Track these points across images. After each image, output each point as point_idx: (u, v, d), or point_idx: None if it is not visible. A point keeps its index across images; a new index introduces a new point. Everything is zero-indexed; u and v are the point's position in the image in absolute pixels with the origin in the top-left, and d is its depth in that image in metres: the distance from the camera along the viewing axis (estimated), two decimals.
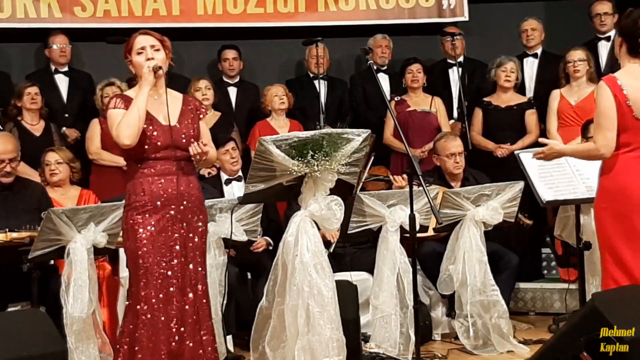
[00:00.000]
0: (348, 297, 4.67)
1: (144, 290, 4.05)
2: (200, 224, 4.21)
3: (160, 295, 4.05)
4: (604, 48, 7.08)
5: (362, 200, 5.17)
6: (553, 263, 6.91)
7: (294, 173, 4.29)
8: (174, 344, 4.05)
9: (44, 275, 4.92)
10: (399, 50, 7.61)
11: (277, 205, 6.09)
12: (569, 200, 5.33)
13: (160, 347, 4.03)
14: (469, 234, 5.32)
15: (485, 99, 6.98)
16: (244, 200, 4.57)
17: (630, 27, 4.13)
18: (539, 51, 7.30)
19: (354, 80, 7.62)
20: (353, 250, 5.79)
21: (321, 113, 6.85)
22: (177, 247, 4.11)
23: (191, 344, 4.09)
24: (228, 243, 5.03)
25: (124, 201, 4.24)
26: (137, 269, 4.08)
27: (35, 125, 6.56)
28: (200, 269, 4.19)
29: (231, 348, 5.26)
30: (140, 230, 4.08)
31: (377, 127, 6.83)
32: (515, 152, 5.57)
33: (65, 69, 7.14)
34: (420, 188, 4.67)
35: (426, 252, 5.71)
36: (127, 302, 4.16)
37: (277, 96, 6.92)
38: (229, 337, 5.25)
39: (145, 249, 4.07)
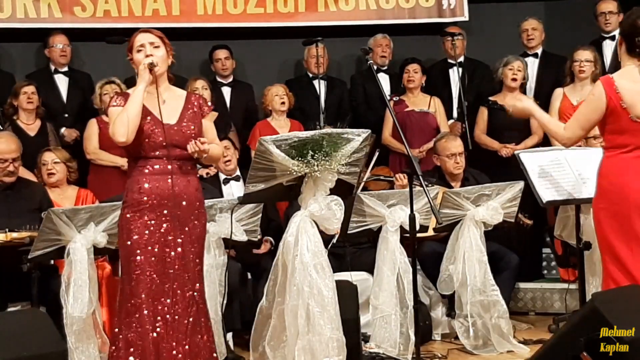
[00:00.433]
0: (348, 297, 4.67)
1: (136, 289, 4.04)
2: (197, 223, 4.19)
3: (152, 295, 4.04)
4: (608, 47, 7.08)
5: (362, 200, 5.17)
6: (553, 263, 6.91)
7: (294, 173, 4.29)
8: (164, 344, 4.03)
9: (44, 275, 4.93)
10: (399, 50, 7.61)
11: (277, 205, 6.09)
12: (569, 200, 5.33)
13: (150, 346, 4.02)
14: (469, 234, 5.32)
15: (491, 98, 6.96)
16: (244, 200, 4.57)
17: (629, 27, 4.14)
18: (539, 51, 7.30)
19: (354, 80, 7.62)
20: (353, 250, 5.79)
21: (321, 113, 6.85)
22: (172, 247, 4.09)
23: (187, 345, 4.08)
24: (228, 243, 5.03)
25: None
26: (130, 267, 4.07)
27: (30, 125, 6.54)
28: (197, 269, 4.17)
29: (231, 347, 5.26)
30: (135, 228, 4.07)
31: (377, 127, 6.83)
32: (515, 152, 5.57)
33: (65, 69, 7.13)
34: (420, 188, 4.67)
35: (426, 252, 5.71)
36: (120, 299, 4.15)
37: (278, 96, 6.92)
38: (230, 337, 5.25)
39: (138, 247, 4.06)
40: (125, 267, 4.11)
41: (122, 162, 6.10)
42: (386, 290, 5.09)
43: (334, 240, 5.60)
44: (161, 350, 4.04)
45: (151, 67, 4.09)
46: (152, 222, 4.08)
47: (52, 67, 7.12)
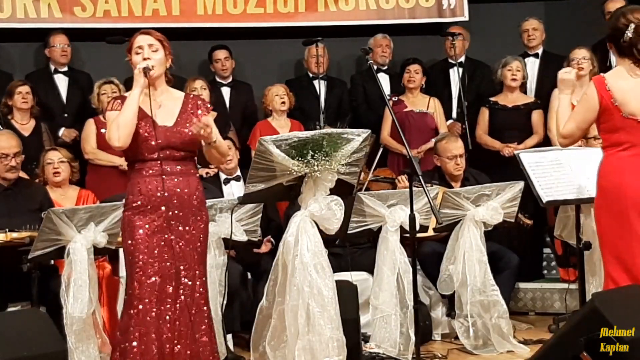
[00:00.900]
0: (348, 297, 4.67)
1: (139, 290, 4.05)
2: (199, 224, 4.19)
3: (154, 296, 4.04)
4: None
5: (362, 200, 5.17)
6: (553, 263, 6.91)
7: (294, 173, 4.29)
8: (168, 344, 4.04)
9: (44, 275, 4.92)
10: (399, 50, 7.61)
11: (277, 205, 6.09)
12: (569, 200, 5.32)
13: (153, 347, 4.02)
14: (469, 234, 5.32)
15: (492, 98, 6.97)
16: (244, 200, 4.57)
17: (613, 30, 4.15)
18: (540, 51, 7.31)
19: (354, 80, 7.62)
20: (353, 250, 5.79)
21: (321, 113, 6.85)
22: (173, 248, 4.09)
23: (188, 346, 4.08)
24: (228, 243, 5.03)
25: (123, 201, 4.24)
26: (133, 269, 4.08)
27: (25, 125, 6.52)
28: (197, 270, 4.17)
29: (231, 348, 5.26)
30: (136, 230, 4.07)
31: (377, 127, 6.83)
32: (516, 152, 5.57)
33: (65, 68, 7.13)
34: (420, 188, 4.67)
35: (426, 252, 5.71)
36: (123, 299, 4.15)
37: (278, 96, 6.92)
38: (229, 337, 5.25)
39: (140, 249, 4.06)
40: (129, 268, 4.12)
41: (120, 161, 6.11)
42: (386, 290, 5.09)
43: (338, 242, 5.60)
44: (165, 352, 4.04)
45: (145, 71, 4.08)
46: (153, 223, 4.08)
47: (52, 67, 7.12)
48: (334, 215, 4.35)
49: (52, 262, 5.14)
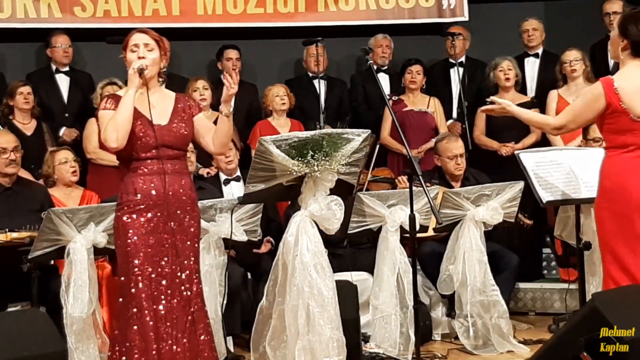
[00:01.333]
0: (348, 297, 4.67)
1: (135, 290, 4.04)
2: (192, 222, 4.19)
3: (151, 295, 4.04)
4: None
5: (362, 200, 5.17)
6: (553, 263, 6.91)
7: (294, 173, 4.29)
8: (164, 344, 4.03)
9: (44, 275, 4.93)
10: (400, 50, 7.62)
11: (277, 205, 6.09)
12: (569, 200, 5.32)
13: (152, 346, 4.02)
14: (469, 234, 5.32)
15: (488, 99, 6.97)
16: (244, 200, 4.57)
17: (638, 35, 4.13)
18: (540, 51, 7.31)
19: (354, 80, 7.62)
20: (353, 250, 5.79)
21: (321, 113, 6.85)
22: (168, 247, 4.09)
23: (187, 345, 4.07)
24: (228, 243, 5.03)
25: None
26: (128, 269, 4.06)
27: (27, 125, 6.54)
28: (194, 267, 4.16)
29: (231, 348, 5.26)
30: (131, 230, 4.06)
31: (377, 127, 6.84)
32: (515, 152, 5.57)
33: (66, 68, 7.13)
34: (420, 188, 4.67)
35: (426, 252, 5.71)
36: (120, 300, 4.15)
37: (278, 96, 6.92)
38: (229, 337, 5.25)
39: (135, 249, 4.05)
40: (124, 269, 4.10)
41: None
42: (386, 290, 5.09)
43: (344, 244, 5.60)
44: (162, 351, 4.03)
45: (140, 71, 4.09)
46: (149, 223, 4.08)
47: (53, 67, 7.12)
48: (334, 215, 4.35)
49: (52, 262, 5.15)
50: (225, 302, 4.92)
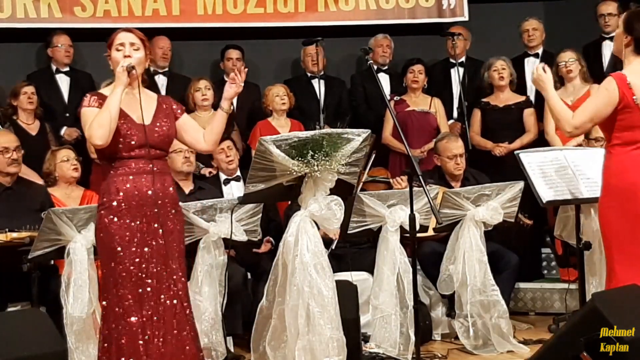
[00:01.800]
0: (348, 297, 4.67)
1: (120, 291, 4.04)
2: (175, 221, 4.19)
3: (136, 296, 4.04)
4: (607, 48, 7.08)
5: (362, 200, 5.17)
6: (553, 263, 6.91)
7: (294, 173, 4.29)
8: (150, 345, 4.03)
9: (44, 275, 4.93)
10: (400, 50, 7.62)
11: (277, 205, 6.09)
12: (569, 200, 5.32)
13: (139, 347, 4.02)
14: (469, 234, 5.32)
15: (484, 99, 7.00)
16: (244, 200, 4.57)
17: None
18: (540, 51, 7.31)
19: (354, 80, 7.62)
20: (353, 250, 5.79)
21: (320, 113, 6.84)
22: (152, 248, 4.08)
23: (174, 343, 4.08)
24: (228, 243, 5.03)
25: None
26: (112, 270, 4.06)
27: (31, 125, 6.56)
28: (179, 269, 4.16)
29: (231, 348, 5.26)
30: (115, 230, 4.05)
31: (377, 127, 6.83)
32: (515, 152, 5.57)
33: (67, 68, 7.13)
34: (421, 188, 4.67)
35: (426, 252, 5.72)
36: (103, 303, 4.14)
37: (279, 96, 6.92)
38: (229, 337, 5.25)
39: (120, 250, 4.04)
40: (108, 270, 4.09)
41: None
42: (386, 290, 5.09)
43: (333, 247, 5.60)
44: (150, 351, 4.04)
45: (129, 70, 4.08)
46: (133, 224, 4.07)
47: (54, 67, 7.12)
48: (334, 215, 4.35)
49: (52, 262, 5.14)
50: (225, 302, 4.92)
